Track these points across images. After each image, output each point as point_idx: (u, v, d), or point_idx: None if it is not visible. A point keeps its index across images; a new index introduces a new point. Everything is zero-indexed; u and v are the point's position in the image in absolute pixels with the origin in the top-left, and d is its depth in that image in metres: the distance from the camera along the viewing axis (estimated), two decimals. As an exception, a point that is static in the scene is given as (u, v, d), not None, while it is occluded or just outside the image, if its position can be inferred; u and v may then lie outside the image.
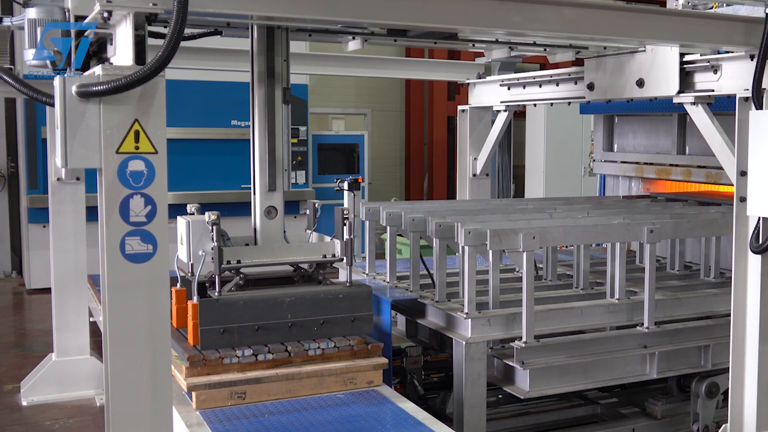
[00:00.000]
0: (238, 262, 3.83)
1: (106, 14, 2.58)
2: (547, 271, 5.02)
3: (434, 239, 4.41)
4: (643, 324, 4.26)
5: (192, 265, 3.86)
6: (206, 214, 3.75)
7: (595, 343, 4.17)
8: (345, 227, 3.97)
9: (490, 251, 4.04)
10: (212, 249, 3.72)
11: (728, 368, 3.71)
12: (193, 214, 3.95)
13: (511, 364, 3.94)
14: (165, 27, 2.61)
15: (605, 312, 4.29)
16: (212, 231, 3.72)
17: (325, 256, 4.04)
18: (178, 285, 3.82)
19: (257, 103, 4.02)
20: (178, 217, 3.88)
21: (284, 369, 3.72)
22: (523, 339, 3.93)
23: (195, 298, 3.67)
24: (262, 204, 4.08)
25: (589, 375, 4.10)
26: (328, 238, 4.11)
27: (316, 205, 4.31)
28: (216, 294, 3.70)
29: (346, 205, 4.00)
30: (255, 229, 4.11)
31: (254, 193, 4.09)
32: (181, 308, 3.78)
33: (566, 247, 6.00)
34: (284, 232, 4.15)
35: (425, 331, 4.72)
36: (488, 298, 4.17)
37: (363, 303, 3.93)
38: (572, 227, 4.28)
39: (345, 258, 3.99)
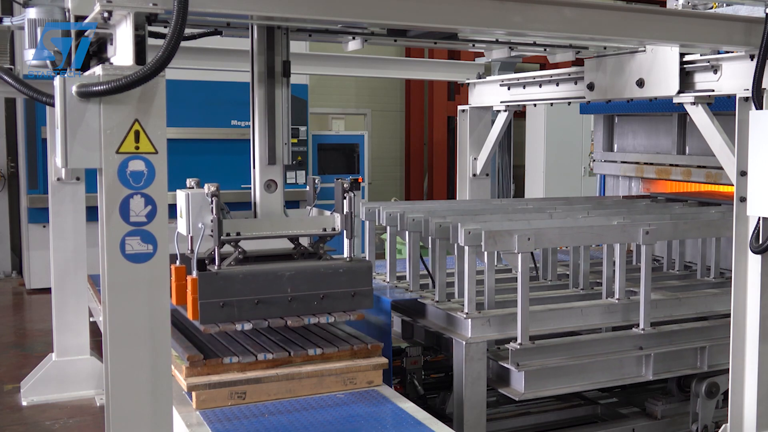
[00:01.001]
0: (238, 234, 3.77)
1: (106, 14, 2.58)
2: (547, 271, 5.02)
3: (429, 239, 4.41)
4: (638, 325, 4.26)
5: (191, 238, 3.80)
6: (206, 185, 3.70)
7: (591, 345, 4.17)
8: (345, 201, 3.92)
9: (485, 252, 4.03)
10: (211, 221, 3.67)
11: (727, 368, 3.71)
12: (192, 188, 3.89)
13: (506, 365, 3.94)
14: (165, 27, 2.61)
15: (602, 313, 4.29)
16: (212, 203, 3.66)
17: (325, 230, 3.99)
18: (178, 262, 3.74)
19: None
20: (178, 191, 3.82)
21: (284, 369, 3.72)
22: (518, 340, 3.93)
23: (194, 273, 3.62)
24: (261, 177, 4.00)
25: (584, 376, 4.10)
26: (328, 213, 4.06)
27: (316, 181, 4.25)
28: (215, 268, 3.66)
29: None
30: (254, 204, 4.04)
31: (254, 167, 4.02)
32: (181, 285, 3.70)
33: (566, 247, 6.00)
34: (284, 206, 4.09)
35: (421, 332, 4.72)
36: (484, 298, 4.16)
37: (363, 277, 3.89)
38: (568, 228, 4.27)
39: (345, 231, 3.95)
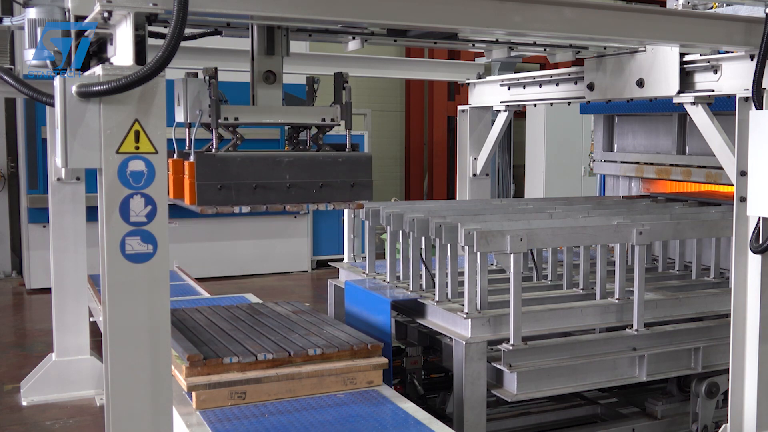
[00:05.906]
0: (236, 119, 3.68)
1: (106, 14, 2.58)
2: (541, 271, 5.01)
3: (417, 237, 4.40)
4: (632, 326, 4.25)
5: (189, 125, 3.70)
6: (203, 68, 3.60)
7: (584, 346, 4.16)
8: (344, 91, 3.85)
9: (478, 253, 4.02)
10: (209, 106, 3.56)
11: (726, 368, 3.71)
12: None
13: (498, 366, 3.93)
14: (165, 27, 2.61)
15: (601, 313, 4.29)
16: (209, 85, 3.55)
17: (324, 120, 3.89)
18: (175, 156, 3.64)
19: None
20: (175, 79, 3.70)
21: (284, 369, 3.73)
22: (511, 341, 3.92)
23: (192, 157, 3.51)
24: (260, 68, 3.87)
25: (578, 377, 4.09)
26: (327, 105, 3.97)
27: (315, 78, 4.15)
28: (213, 150, 3.57)
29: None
30: (253, 96, 3.91)
31: (252, 59, 3.90)
32: (178, 178, 3.59)
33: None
34: (283, 100, 3.98)
35: (414, 333, 4.72)
36: (477, 299, 4.16)
37: (363, 168, 3.80)
38: (560, 229, 4.24)
39: (344, 122, 3.86)
